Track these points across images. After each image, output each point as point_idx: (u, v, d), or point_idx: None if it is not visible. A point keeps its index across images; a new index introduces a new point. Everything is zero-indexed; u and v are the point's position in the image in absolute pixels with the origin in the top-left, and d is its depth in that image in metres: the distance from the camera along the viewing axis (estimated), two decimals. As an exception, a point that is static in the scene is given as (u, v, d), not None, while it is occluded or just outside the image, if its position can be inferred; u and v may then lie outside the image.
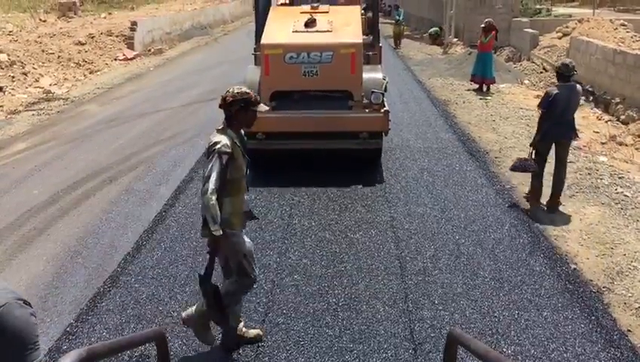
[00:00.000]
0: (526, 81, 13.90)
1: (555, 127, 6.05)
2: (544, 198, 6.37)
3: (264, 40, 6.99)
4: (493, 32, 12.71)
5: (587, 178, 7.13)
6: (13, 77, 13.23)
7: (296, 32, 7.09)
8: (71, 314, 4.32)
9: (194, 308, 3.72)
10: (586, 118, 10.54)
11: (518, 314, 4.24)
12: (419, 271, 4.86)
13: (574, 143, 8.38)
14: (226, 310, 3.61)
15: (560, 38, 15.44)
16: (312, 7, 7.53)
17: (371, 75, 7.12)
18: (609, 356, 3.80)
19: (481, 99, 12.13)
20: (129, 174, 7.57)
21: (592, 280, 4.81)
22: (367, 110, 6.90)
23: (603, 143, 8.96)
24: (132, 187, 7.10)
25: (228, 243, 3.51)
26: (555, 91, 5.99)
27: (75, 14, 22.07)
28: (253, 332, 3.91)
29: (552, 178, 6.28)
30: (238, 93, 3.51)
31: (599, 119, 10.54)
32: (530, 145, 6.34)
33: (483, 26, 12.88)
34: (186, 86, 13.91)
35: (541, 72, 14.35)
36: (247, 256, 3.65)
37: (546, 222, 5.97)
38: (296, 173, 7.17)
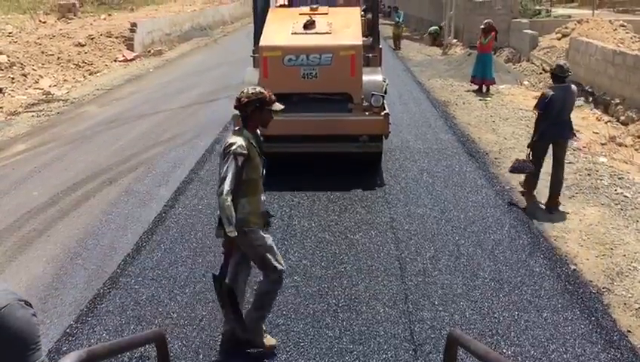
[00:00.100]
0: (525, 82, 13.90)
1: (552, 127, 6.13)
2: (543, 198, 6.40)
3: (262, 42, 6.92)
4: (493, 33, 12.72)
5: (587, 179, 7.13)
6: (12, 78, 13.24)
7: (295, 33, 7.02)
8: (71, 316, 4.32)
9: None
10: (586, 119, 10.55)
11: (517, 314, 4.24)
12: (419, 272, 4.87)
13: (574, 144, 8.42)
14: (240, 311, 3.62)
15: (559, 39, 15.44)
16: (311, 9, 7.44)
17: (371, 77, 7.07)
18: (609, 357, 3.80)
19: (480, 100, 12.14)
20: (129, 175, 7.57)
21: (591, 281, 4.81)
22: (367, 113, 6.84)
23: (603, 144, 8.96)
24: (132, 188, 7.10)
25: (246, 241, 3.53)
26: (551, 93, 6.09)
27: (74, 16, 22.08)
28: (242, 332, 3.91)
29: (549, 178, 6.32)
30: (252, 93, 3.51)
31: (599, 120, 10.55)
32: (528, 147, 6.42)
33: (482, 27, 12.90)
34: (185, 87, 13.92)
35: (540, 73, 14.36)
36: (268, 250, 3.64)
37: (546, 222, 5.97)
38: (296, 174, 7.17)
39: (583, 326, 4.11)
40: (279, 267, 3.68)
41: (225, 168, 3.36)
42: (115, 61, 17.75)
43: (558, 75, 6.15)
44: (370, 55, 7.76)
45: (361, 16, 7.89)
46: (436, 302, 4.40)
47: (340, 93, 6.85)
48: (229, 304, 3.54)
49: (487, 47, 12.84)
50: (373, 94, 6.79)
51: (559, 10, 21.66)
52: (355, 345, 3.89)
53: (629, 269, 4.97)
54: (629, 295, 4.59)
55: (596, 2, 20.46)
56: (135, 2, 29.04)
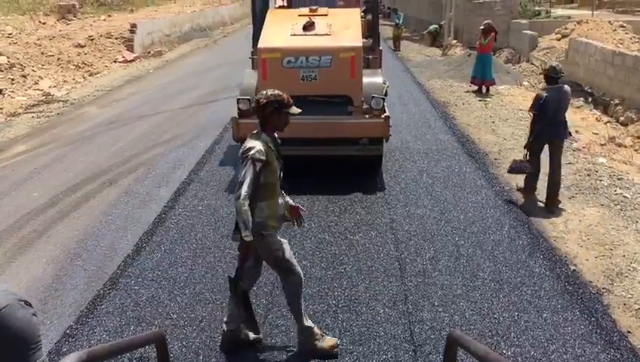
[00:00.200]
0: (525, 83, 13.91)
1: (547, 128, 6.19)
2: (543, 199, 6.41)
3: (261, 44, 6.82)
4: (493, 34, 12.73)
5: (586, 179, 7.14)
6: (12, 79, 13.25)
7: (295, 35, 6.92)
8: (71, 317, 4.32)
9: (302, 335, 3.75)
10: (585, 120, 10.56)
11: (517, 315, 4.24)
12: (418, 273, 4.87)
13: (574, 145, 8.43)
14: (253, 314, 3.64)
15: (559, 40, 15.46)
16: (311, 10, 7.34)
17: (371, 79, 6.99)
18: (609, 357, 3.80)
19: (480, 100, 12.15)
20: (129, 176, 7.57)
21: (591, 282, 4.81)
22: (367, 116, 6.76)
23: (602, 145, 8.97)
24: (132, 189, 7.11)
25: (264, 244, 3.55)
26: (545, 94, 6.16)
27: (74, 17, 22.10)
28: (253, 334, 3.92)
29: (547, 179, 6.35)
30: (271, 95, 3.53)
31: (598, 120, 10.55)
32: (525, 147, 6.47)
33: (482, 27, 12.90)
34: (185, 88, 13.92)
35: (540, 74, 14.35)
36: (286, 254, 3.65)
37: (545, 223, 5.98)
38: (295, 175, 7.15)
39: (582, 327, 4.12)
40: (297, 270, 3.71)
41: (243, 173, 3.38)
42: (115, 62, 17.77)
43: (552, 75, 6.22)
44: (371, 57, 7.68)
45: (361, 17, 7.83)
46: (436, 303, 4.41)
47: (339, 96, 6.76)
48: (242, 307, 3.56)
49: (487, 47, 12.85)
50: (373, 97, 6.71)
51: (559, 11, 21.66)
52: (355, 345, 3.89)
53: (629, 270, 4.97)
54: (629, 295, 4.59)
55: (596, 3, 20.46)
56: (135, 3, 29.06)
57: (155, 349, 3.00)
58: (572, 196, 6.66)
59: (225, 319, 3.84)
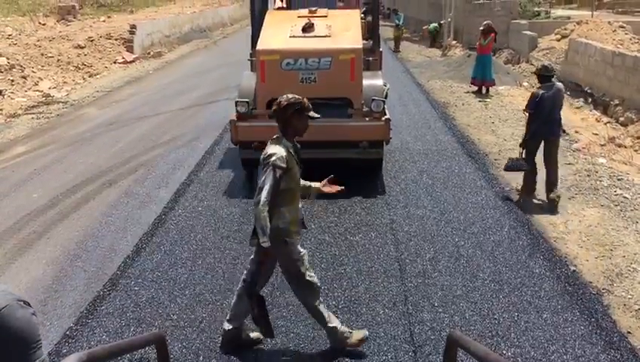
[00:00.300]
0: (525, 83, 13.91)
1: (543, 126, 6.29)
2: (542, 197, 6.44)
3: (260, 45, 6.73)
4: (492, 35, 12.74)
5: (586, 180, 7.14)
6: (12, 80, 13.25)
7: (294, 37, 6.83)
8: (70, 318, 4.32)
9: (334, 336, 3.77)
10: (585, 120, 10.56)
11: (517, 316, 4.24)
12: (418, 274, 4.87)
13: (574, 145, 8.44)
14: (268, 317, 3.65)
15: (559, 40, 15.47)
16: (310, 11, 7.26)
17: (371, 81, 6.90)
18: (609, 358, 3.80)
19: (480, 101, 12.16)
20: (128, 177, 7.57)
21: (591, 282, 4.81)
22: (367, 118, 6.66)
23: (602, 145, 8.97)
24: (131, 190, 7.11)
25: (286, 251, 3.56)
26: (541, 92, 6.24)
27: (74, 18, 22.11)
28: (254, 334, 3.92)
29: (545, 178, 6.41)
30: (292, 97, 3.54)
31: (598, 121, 10.55)
32: (520, 146, 6.54)
33: (482, 28, 12.91)
34: (185, 89, 13.93)
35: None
36: (304, 267, 3.65)
37: (545, 223, 5.98)
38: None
39: (582, 327, 4.11)
40: (314, 280, 3.69)
41: (263, 179, 3.40)
42: (115, 63, 17.78)
43: (544, 74, 6.31)
44: (371, 58, 7.57)
45: (361, 18, 7.77)
46: (436, 304, 4.40)
47: (339, 98, 6.64)
48: (258, 311, 3.56)
49: (487, 48, 12.86)
50: (373, 99, 6.60)
51: (558, 12, 21.67)
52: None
53: (629, 270, 4.97)
54: (629, 296, 4.59)
55: (595, 3, 20.48)
56: (134, 4, 29.09)
57: (155, 350, 3.00)
58: (572, 196, 6.67)
59: (227, 317, 3.83)
